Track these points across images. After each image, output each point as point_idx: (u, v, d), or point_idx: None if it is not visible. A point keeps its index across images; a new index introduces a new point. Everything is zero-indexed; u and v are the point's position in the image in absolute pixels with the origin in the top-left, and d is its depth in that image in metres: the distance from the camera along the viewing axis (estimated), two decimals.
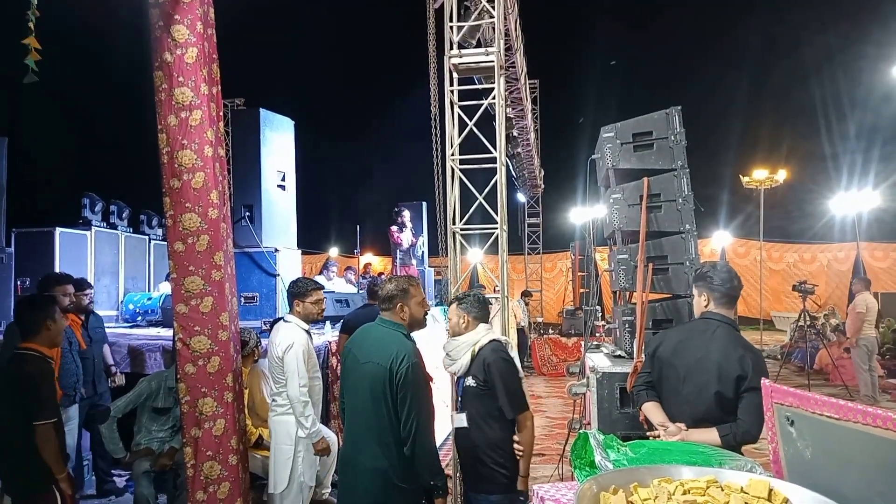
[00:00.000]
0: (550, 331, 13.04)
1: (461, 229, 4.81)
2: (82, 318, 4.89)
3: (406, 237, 10.63)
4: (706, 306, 2.62)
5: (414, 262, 11.15)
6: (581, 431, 1.77)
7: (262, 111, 6.26)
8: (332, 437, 3.99)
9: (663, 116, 3.89)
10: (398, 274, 10.42)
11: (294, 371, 3.50)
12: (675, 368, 2.58)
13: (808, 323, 9.55)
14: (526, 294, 11.91)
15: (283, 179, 6.43)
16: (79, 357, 4.56)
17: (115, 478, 5.02)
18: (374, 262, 18.30)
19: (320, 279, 7.85)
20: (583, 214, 16.27)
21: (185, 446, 3.14)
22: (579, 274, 12.83)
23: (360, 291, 8.44)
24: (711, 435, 2.36)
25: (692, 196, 3.79)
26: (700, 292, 2.66)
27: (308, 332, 3.78)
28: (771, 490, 1.35)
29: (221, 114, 3.55)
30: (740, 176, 16.81)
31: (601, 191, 4.42)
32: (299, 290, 3.82)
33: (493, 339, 3.00)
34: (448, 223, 4.75)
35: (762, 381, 1.54)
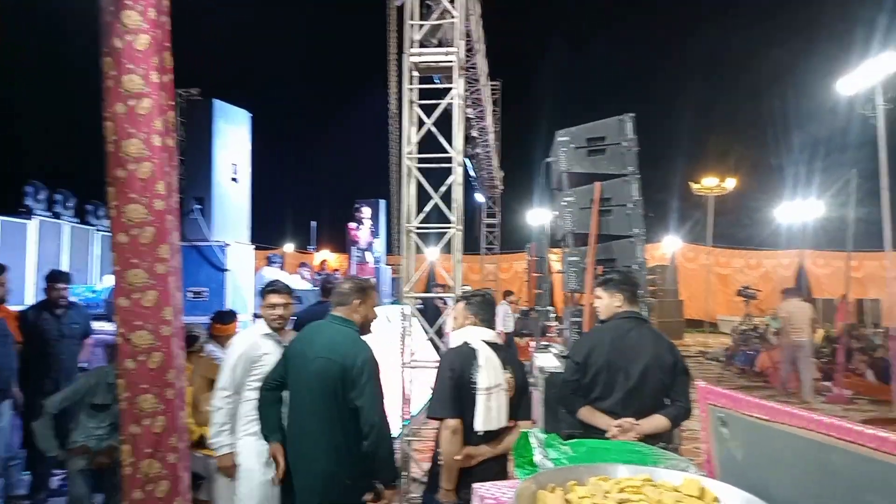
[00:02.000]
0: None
1: (416, 228, 4.80)
2: (59, 311, 4.69)
3: (364, 234, 10.57)
4: (619, 306, 2.85)
5: (371, 259, 11.09)
6: (524, 430, 1.79)
7: (217, 102, 6.12)
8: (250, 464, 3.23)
9: (616, 123, 3.97)
10: (354, 271, 10.35)
11: (222, 375, 3.18)
12: (617, 368, 2.73)
13: (751, 327, 9.88)
14: (508, 294, 11.53)
15: (237, 172, 6.30)
16: (13, 350, 4.37)
17: (50, 477, 4.83)
18: (331, 258, 18.12)
19: (275, 273, 7.71)
20: (539, 216, 16.49)
21: (124, 444, 3.04)
22: (534, 275, 12.96)
23: (316, 288, 8.34)
24: (661, 421, 2.62)
25: (642, 202, 3.88)
26: (612, 294, 2.88)
27: (271, 336, 3.29)
28: (703, 489, 1.39)
29: (173, 103, 3.45)
30: (690, 183, 17.34)
31: (555, 193, 4.48)
32: (261, 291, 3.47)
33: (464, 342, 2.88)
34: (402, 221, 4.74)
35: (697, 383, 1.59)
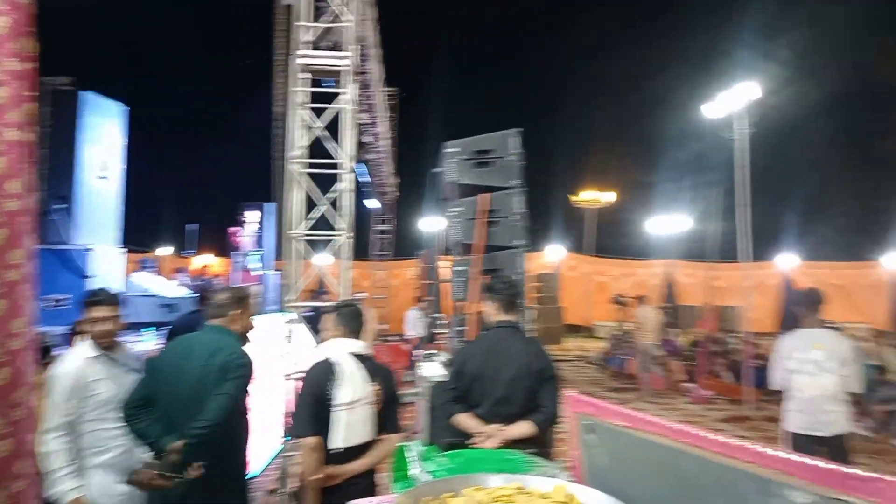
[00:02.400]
0: (391, 338, 13.13)
1: (301, 235, 4.68)
2: None
3: (247, 239, 10.15)
4: (496, 315, 2.98)
5: (258, 265, 10.68)
6: (400, 444, 1.78)
7: (85, 94, 5.65)
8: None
9: (503, 137, 4.09)
10: (237, 277, 9.92)
11: (49, 415, 2.69)
12: (487, 377, 2.86)
13: (624, 332, 10.55)
14: (420, 300, 11.23)
15: (107, 169, 5.83)
16: None
17: None
18: (213, 263, 17.24)
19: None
20: (432, 224, 16.67)
21: None
22: (424, 282, 13.06)
23: (196, 295, 7.90)
24: (527, 427, 2.73)
25: (527, 214, 4.03)
26: (490, 303, 3.01)
27: (101, 358, 2.85)
28: (570, 495, 1.45)
29: (34, 94, 3.14)
30: (571, 196, 18.30)
31: (444, 203, 4.54)
32: (82, 303, 2.95)
33: (326, 357, 2.79)
34: (287, 228, 4.60)
35: (566, 393, 1.66)
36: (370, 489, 2.66)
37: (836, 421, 4.02)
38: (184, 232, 19.43)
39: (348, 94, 4.81)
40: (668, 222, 19.58)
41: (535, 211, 4.10)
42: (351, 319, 2.80)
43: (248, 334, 2.87)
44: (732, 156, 9.88)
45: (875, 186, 30.54)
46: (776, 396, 9.48)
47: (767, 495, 0.99)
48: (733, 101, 10.06)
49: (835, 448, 4.01)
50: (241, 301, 2.79)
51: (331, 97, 5.19)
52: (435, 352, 4.29)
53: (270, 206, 11.64)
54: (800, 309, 4.28)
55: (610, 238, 22.32)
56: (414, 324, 9.64)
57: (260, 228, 10.74)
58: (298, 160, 4.71)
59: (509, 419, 2.76)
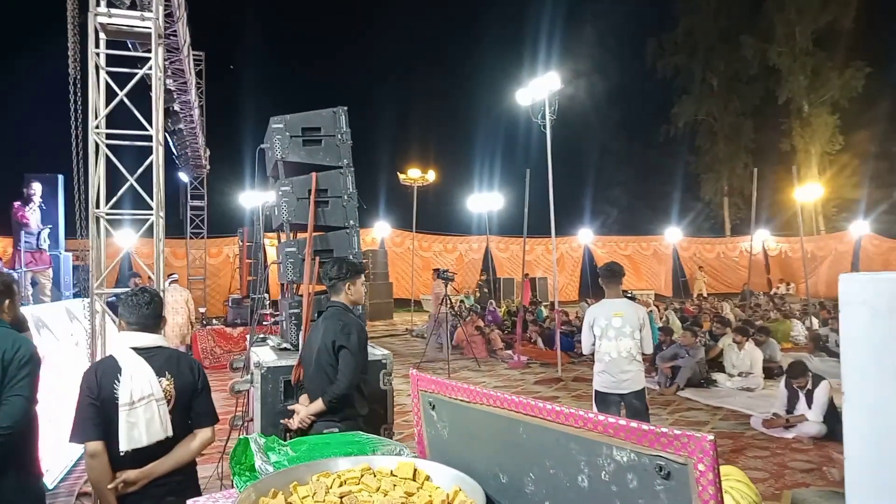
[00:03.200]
0: (214, 322, 12.35)
1: (107, 214, 4.20)
2: None
3: (35, 216, 8.85)
4: (333, 296, 3.15)
5: (45, 245, 9.36)
6: (241, 437, 1.72)
7: None
8: None
9: (331, 115, 4.02)
10: (24, 258, 8.60)
11: None
12: (305, 357, 3.11)
13: (448, 305, 11.02)
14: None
15: None
16: None
17: None
18: None
19: None
20: (252, 199, 15.85)
21: None
22: (247, 261, 12.42)
23: None
24: (319, 405, 2.90)
25: (356, 194, 4.01)
26: (329, 284, 3.18)
27: None
28: (416, 470, 1.51)
29: None
30: (398, 173, 18.59)
31: (270, 180, 4.35)
32: None
33: (110, 353, 2.56)
34: (91, 206, 4.09)
35: (410, 371, 1.72)
36: (188, 488, 2.46)
37: (634, 378, 4.62)
38: None
39: (155, 60, 4.36)
40: (484, 199, 20.75)
41: (361, 186, 4.10)
42: (135, 310, 2.49)
43: (19, 324, 2.57)
44: (542, 139, 10.71)
45: (655, 168, 35.19)
46: (583, 359, 10.63)
47: (593, 455, 1.13)
48: (539, 89, 10.90)
49: (634, 403, 4.62)
50: (9, 290, 2.52)
51: (133, 60, 4.68)
52: (266, 335, 4.13)
53: (54, 178, 10.24)
54: (604, 281, 4.82)
55: (432, 214, 23.10)
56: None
57: (44, 203, 9.37)
58: (101, 130, 4.19)
59: (318, 394, 2.95)
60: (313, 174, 3.76)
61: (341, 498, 1.37)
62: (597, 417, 1.11)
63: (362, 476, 1.50)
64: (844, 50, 28.11)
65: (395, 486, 1.45)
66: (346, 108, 4.10)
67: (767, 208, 27.09)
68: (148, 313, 2.51)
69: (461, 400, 1.54)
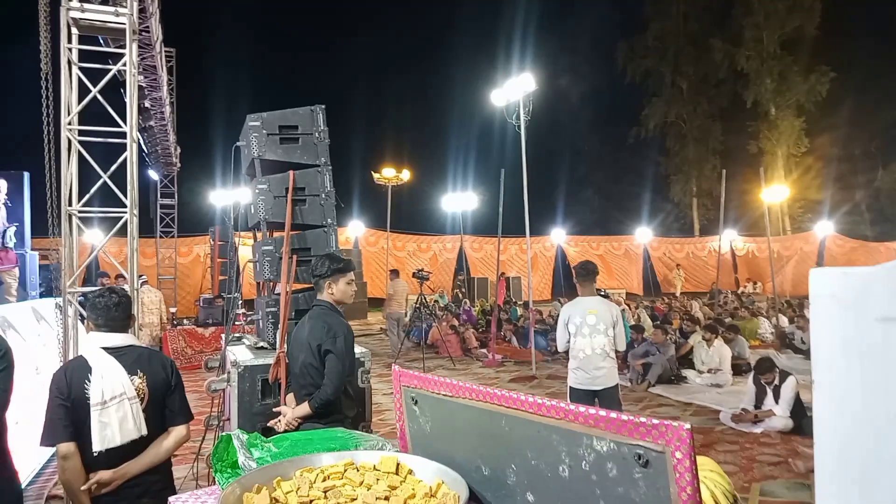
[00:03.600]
0: (185, 322, 12.16)
1: (80, 212, 4.12)
2: None
3: (0, 214, 8.63)
4: (320, 295, 3.09)
5: (12, 244, 9.13)
6: (224, 434, 1.72)
7: None
8: None
9: (309, 113, 4.00)
10: None
11: None
12: (292, 357, 3.04)
13: (423, 304, 11.06)
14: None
15: None
16: None
17: None
18: None
19: None
20: (224, 197, 15.64)
21: None
22: (219, 260, 12.25)
23: None
24: (305, 408, 2.83)
25: (334, 192, 4.00)
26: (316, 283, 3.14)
27: None
28: (398, 464, 1.53)
29: None
30: (373, 172, 18.54)
31: (246, 178, 4.32)
32: None
33: (81, 353, 2.52)
34: (63, 204, 4.01)
35: (393, 367, 1.73)
36: (164, 488, 2.45)
37: (608, 375, 4.70)
38: None
39: (129, 56, 4.29)
40: (458, 199, 20.82)
41: (337, 185, 4.10)
42: (104, 310, 2.46)
43: None
44: (516, 140, 10.79)
45: (626, 169, 35.72)
46: (557, 357, 10.72)
47: (573, 445, 1.16)
48: (514, 90, 10.98)
49: (608, 399, 4.70)
50: None
51: (105, 56, 4.60)
52: (241, 335, 4.09)
53: (20, 175, 10.01)
54: (578, 279, 4.89)
55: (406, 214, 23.08)
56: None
57: (13, 201, 9.16)
58: (73, 127, 4.12)
59: (303, 396, 2.90)
60: (291, 172, 3.75)
61: (325, 492, 1.39)
62: (577, 409, 1.14)
63: (346, 471, 1.51)
64: (810, 55, 28.92)
65: (378, 480, 1.47)
66: (323, 106, 4.09)
67: (735, 209, 27.69)
68: (117, 315, 2.48)
69: (444, 394, 1.56)
